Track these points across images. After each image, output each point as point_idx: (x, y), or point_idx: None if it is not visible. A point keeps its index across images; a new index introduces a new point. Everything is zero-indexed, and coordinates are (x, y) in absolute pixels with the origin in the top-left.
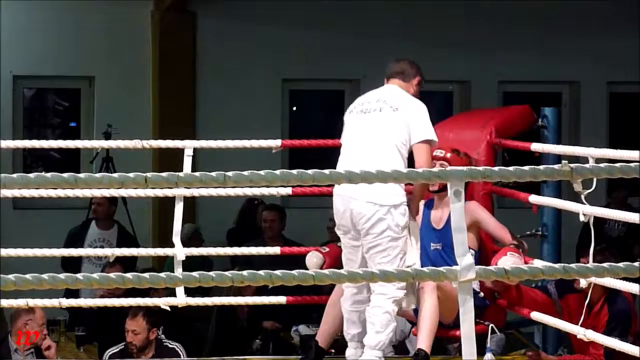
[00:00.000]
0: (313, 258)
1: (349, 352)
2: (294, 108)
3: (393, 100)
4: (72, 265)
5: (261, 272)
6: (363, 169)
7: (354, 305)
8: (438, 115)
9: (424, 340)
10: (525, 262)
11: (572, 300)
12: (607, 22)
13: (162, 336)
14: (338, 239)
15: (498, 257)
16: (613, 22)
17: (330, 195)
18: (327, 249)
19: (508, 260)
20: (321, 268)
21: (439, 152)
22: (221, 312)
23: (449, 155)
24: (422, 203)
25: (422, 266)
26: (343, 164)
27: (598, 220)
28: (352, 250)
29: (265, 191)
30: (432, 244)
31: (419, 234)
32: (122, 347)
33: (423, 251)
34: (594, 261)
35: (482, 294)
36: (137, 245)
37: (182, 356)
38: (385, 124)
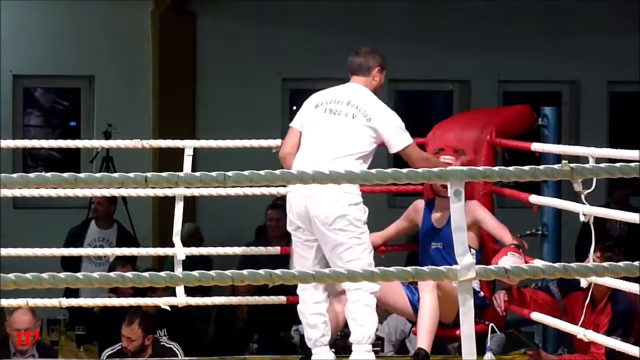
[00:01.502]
0: None
1: (316, 357)
2: (294, 108)
3: (365, 108)
4: (72, 264)
5: (261, 271)
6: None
7: (314, 307)
8: (438, 115)
9: (424, 339)
10: (526, 262)
11: (575, 299)
12: (607, 22)
13: (165, 338)
14: None
15: (498, 257)
16: (613, 22)
17: None
18: None
19: (508, 260)
20: None
21: (448, 159)
22: (221, 312)
23: (454, 160)
24: (422, 203)
25: (422, 265)
26: (303, 161)
27: (599, 220)
28: (305, 247)
29: (265, 191)
30: (432, 243)
31: (420, 232)
32: (119, 347)
33: (423, 250)
34: (602, 258)
35: (482, 294)
36: (137, 245)
37: (179, 356)
38: (356, 132)
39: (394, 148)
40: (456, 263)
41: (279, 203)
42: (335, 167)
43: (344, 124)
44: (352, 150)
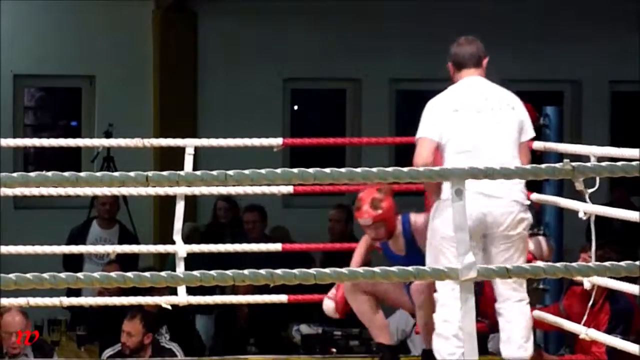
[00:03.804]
0: (328, 304)
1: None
2: (295, 107)
3: (505, 99)
4: (73, 264)
5: (262, 271)
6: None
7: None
8: None
9: (430, 341)
10: (529, 261)
11: (572, 295)
12: (608, 21)
13: (165, 339)
14: (338, 238)
15: None
16: (614, 21)
17: (330, 194)
18: (335, 292)
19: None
20: (335, 311)
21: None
22: (221, 312)
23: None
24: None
25: None
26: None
27: (601, 218)
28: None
29: (266, 190)
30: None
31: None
32: (119, 348)
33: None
34: (602, 259)
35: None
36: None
37: (179, 356)
38: (507, 122)
39: (526, 136)
40: None
41: (255, 205)
42: (506, 162)
43: (495, 118)
44: (511, 141)
